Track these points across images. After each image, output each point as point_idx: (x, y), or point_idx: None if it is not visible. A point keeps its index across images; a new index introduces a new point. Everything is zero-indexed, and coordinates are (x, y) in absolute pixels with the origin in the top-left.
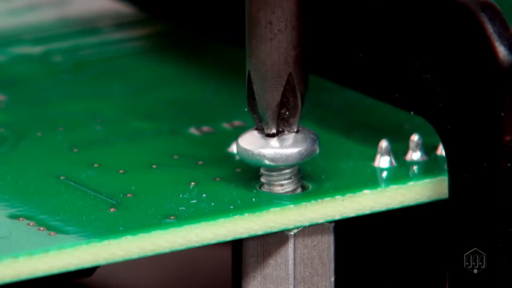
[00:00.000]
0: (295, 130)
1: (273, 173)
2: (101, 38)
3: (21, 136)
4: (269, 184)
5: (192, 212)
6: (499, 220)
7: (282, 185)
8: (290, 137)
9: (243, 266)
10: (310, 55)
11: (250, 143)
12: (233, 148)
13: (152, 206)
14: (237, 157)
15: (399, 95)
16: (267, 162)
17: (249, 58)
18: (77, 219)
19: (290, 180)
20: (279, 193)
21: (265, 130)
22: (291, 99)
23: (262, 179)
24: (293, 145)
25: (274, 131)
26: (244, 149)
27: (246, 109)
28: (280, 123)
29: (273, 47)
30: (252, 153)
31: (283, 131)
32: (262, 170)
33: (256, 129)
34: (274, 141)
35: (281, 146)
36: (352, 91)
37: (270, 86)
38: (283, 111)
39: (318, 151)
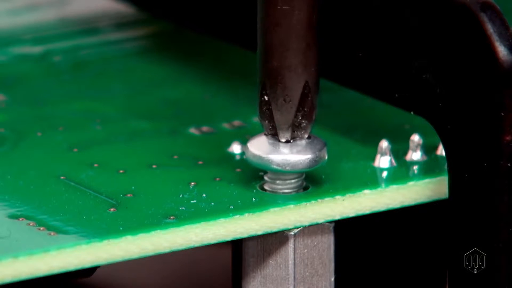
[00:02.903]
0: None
1: (278, 181)
2: (101, 38)
3: (21, 136)
4: (271, 182)
5: (192, 212)
6: (499, 220)
7: (285, 188)
8: (301, 143)
9: (243, 266)
10: None
11: (260, 148)
12: (233, 148)
13: (152, 206)
14: (237, 157)
15: (399, 95)
16: (275, 167)
17: (310, 67)
18: (77, 219)
19: (295, 185)
20: (280, 193)
21: (306, 135)
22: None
23: (265, 177)
24: (300, 152)
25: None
26: (253, 154)
27: (279, 125)
28: (298, 129)
29: (314, 54)
30: (261, 158)
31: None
32: (265, 177)
33: (265, 134)
34: (283, 147)
35: (292, 152)
36: (352, 91)
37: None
38: (300, 119)
39: (326, 158)
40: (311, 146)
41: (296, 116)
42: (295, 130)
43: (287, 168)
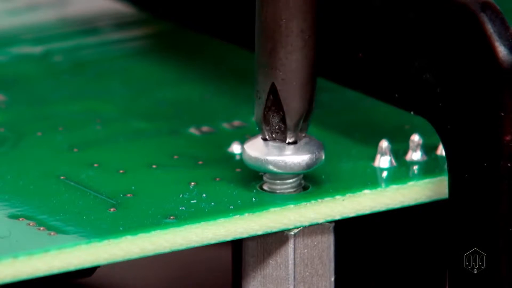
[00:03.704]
0: (304, 135)
1: (276, 181)
2: (101, 38)
3: (21, 136)
4: (270, 182)
5: (192, 212)
6: (499, 220)
7: (284, 188)
8: (294, 146)
9: (243, 266)
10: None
11: (257, 150)
12: (233, 148)
13: (152, 206)
14: (237, 157)
15: (399, 95)
16: (273, 169)
17: (275, 69)
18: (77, 219)
19: (293, 185)
20: (279, 193)
21: (287, 139)
22: (312, 104)
23: (265, 177)
24: (296, 154)
25: (294, 138)
26: (251, 156)
27: (253, 119)
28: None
29: (303, 54)
30: (258, 160)
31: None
32: (265, 177)
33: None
34: (278, 149)
35: (285, 154)
36: (352, 91)
37: (301, 94)
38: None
39: (323, 159)
40: (307, 147)
41: (269, 116)
42: (275, 131)
43: (282, 169)
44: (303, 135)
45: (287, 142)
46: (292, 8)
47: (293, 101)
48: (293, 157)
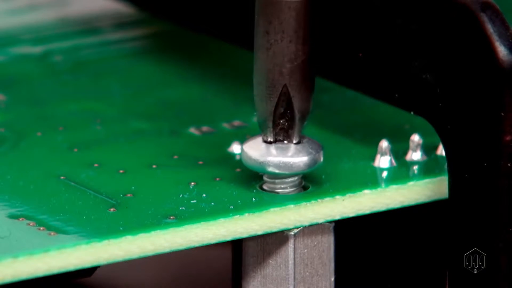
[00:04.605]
0: (294, 141)
1: (276, 180)
2: (101, 38)
3: (21, 136)
4: (270, 182)
5: (192, 212)
6: (499, 220)
7: (283, 188)
8: (292, 146)
9: (243, 266)
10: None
11: (255, 150)
12: (233, 148)
13: (152, 206)
14: (237, 157)
15: (399, 95)
16: (270, 169)
17: (254, 64)
18: (77, 219)
19: (292, 188)
20: (279, 193)
21: (262, 138)
22: (288, 111)
23: (264, 177)
24: (295, 155)
25: (271, 139)
26: (248, 155)
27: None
28: (279, 133)
29: (268, 57)
30: (256, 160)
31: (282, 141)
32: (264, 177)
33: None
34: (276, 150)
35: (283, 155)
36: (352, 91)
37: (265, 95)
38: (282, 121)
39: (321, 161)
40: (303, 149)
41: (279, 118)
42: (280, 132)
43: (279, 170)
44: (295, 139)
45: (263, 140)
46: (259, 5)
47: (258, 98)
48: (290, 158)
